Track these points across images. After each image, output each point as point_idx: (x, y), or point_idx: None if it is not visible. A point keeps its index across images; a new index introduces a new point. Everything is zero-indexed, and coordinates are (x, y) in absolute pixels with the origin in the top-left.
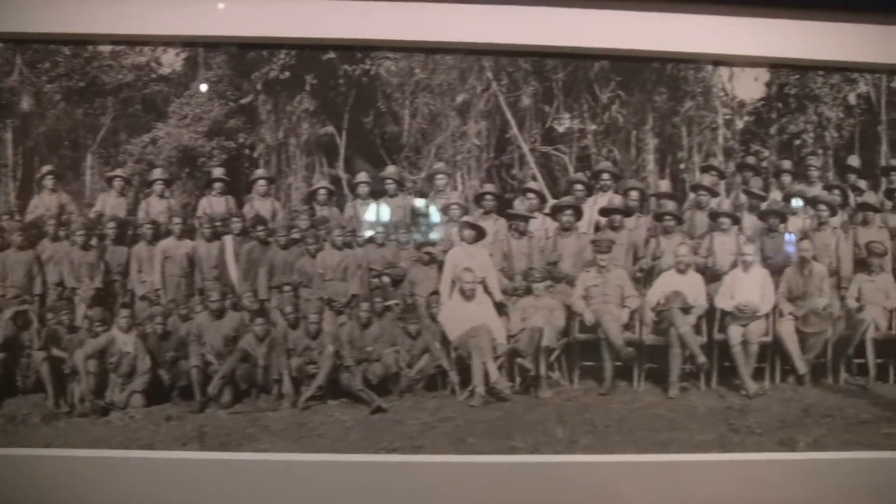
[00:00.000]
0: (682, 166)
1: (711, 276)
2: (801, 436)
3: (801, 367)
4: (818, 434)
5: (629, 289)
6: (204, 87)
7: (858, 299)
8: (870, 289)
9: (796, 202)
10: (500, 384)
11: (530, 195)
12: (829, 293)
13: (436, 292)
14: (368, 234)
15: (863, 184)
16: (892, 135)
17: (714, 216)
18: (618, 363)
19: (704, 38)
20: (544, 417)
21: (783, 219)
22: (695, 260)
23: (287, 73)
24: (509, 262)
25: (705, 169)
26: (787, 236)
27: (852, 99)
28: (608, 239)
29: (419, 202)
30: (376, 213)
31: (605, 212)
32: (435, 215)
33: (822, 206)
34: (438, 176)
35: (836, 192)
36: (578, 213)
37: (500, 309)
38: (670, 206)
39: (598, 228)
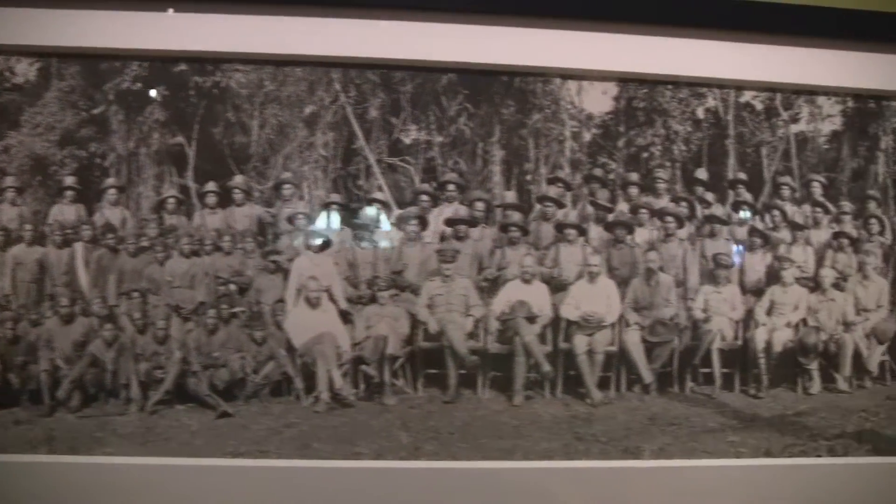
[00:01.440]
0: (528, 178)
1: (557, 286)
2: (646, 444)
3: (647, 376)
4: (664, 442)
5: (474, 298)
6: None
7: (705, 310)
8: (716, 300)
9: (643, 214)
10: (345, 391)
11: (375, 205)
12: (675, 304)
13: (281, 300)
14: (216, 242)
15: (710, 196)
16: (740, 149)
17: (560, 227)
18: (462, 371)
19: (553, 53)
20: (389, 424)
21: (630, 230)
22: (540, 270)
23: (139, 85)
24: (354, 270)
25: (552, 181)
26: (634, 247)
27: (700, 113)
28: (453, 249)
29: (266, 211)
30: (223, 222)
31: (450, 222)
32: (281, 224)
33: (670, 218)
34: (285, 186)
35: (684, 204)
36: (424, 223)
37: (345, 317)
38: (516, 217)
39: (443, 238)
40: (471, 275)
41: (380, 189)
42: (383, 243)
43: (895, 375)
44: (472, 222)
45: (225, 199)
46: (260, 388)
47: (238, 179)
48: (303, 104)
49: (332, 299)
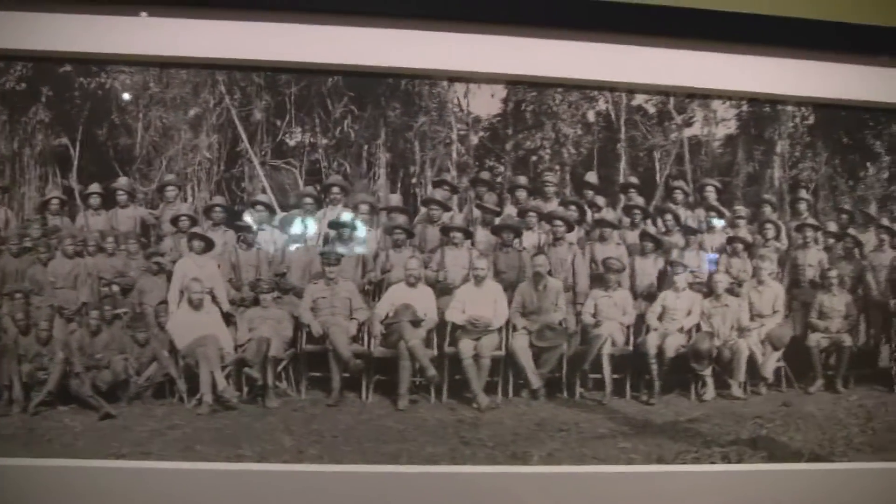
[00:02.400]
0: (414, 181)
1: (442, 289)
2: (534, 449)
3: (535, 381)
4: (552, 448)
5: (358, 301)
6: None
7: (595, 315)
8: (606, 304)
9: (531, 217)
10: (228, 393)
11: (259, 208)
12: (564, 308)
13: (164, 302)
14: (99, 243)
15: (600, 200)
16: (632, 152)
17: (446, 230)
18: (346, 375)
19: (440, 55)
20: (272, 427)
21: (517, 234)
22: (425, 273)
23: (23, 85)
24: (237, 272)
25: (438, 183)
26: (521, 251)
27: (591, 116)
28: (336, 252)
29: (149, 213)
30: (107, 223)
31: (333, 225)
32: (165, 226)
33: (559, 222)
34: (169, 188)
35: (573, 208)
36: (307, 226)
37: (228, 319)
38: (401, 219)
39: (326, 241)
40: (355, 278)
41: (263, 191)
42: (267, 246)
43: (791, 382)
44: (355, 226)
45: (109, 201)
46: (143, 389)
47: (122, 181)
48: (187, 106)
49: (215, 301)
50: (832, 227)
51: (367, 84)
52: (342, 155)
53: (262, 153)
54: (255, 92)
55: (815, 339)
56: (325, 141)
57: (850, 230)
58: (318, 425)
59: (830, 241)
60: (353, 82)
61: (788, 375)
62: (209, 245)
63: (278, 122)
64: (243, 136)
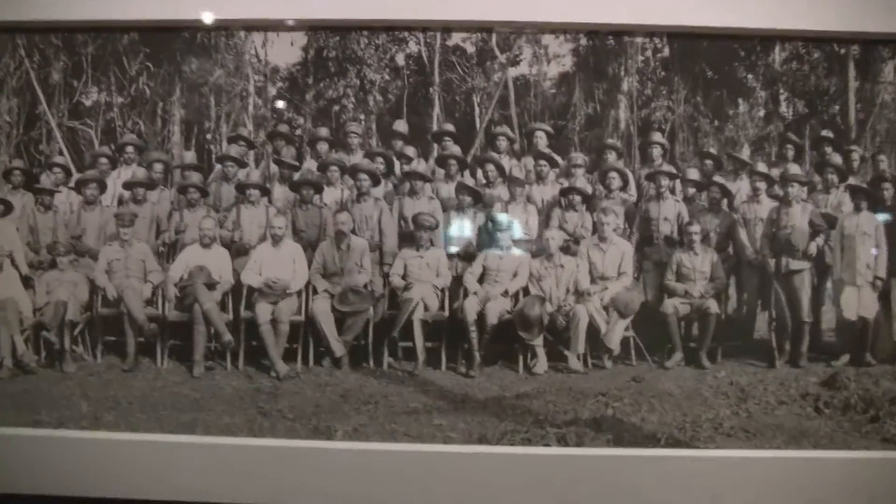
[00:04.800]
0: (209, 137)
1: (238, 250)
2: (338, 424)
3: (338, 349)
4: (358, 423)
5: (152, 263)
6: None
7: (404, 276)
8: (417, 265)
9: (333, 172)
10: (27, 357)
11: (56, 170)
12: (369, 269)
13: None
14: None
15: (411, 151)
16: (446, 97)
17: (241, 188)
18: (141, 339)
19: (237, 4)
20: (69, 392)
21: (318, 189)
22: (220, 233)
23: None
24: (35, 236)
25: (233, 139)
26: (322, 208)
27: (401, 60)
28: (130, 212)
29: None
30: None
31: (127, 185)
32: None
33: (363, 176)
34: None
35: (380, 160)
36: (102, 187)
37: (27, 282)
38: (195, 178)
39: (121, 202)
40: (149, 239)
41: (60, 153)
42: (63, 207)
43: (641, 354)
44: (150, 184)
45: None
46: None
47: None
48: None
49: (14, 265)
50: (694, 174)
51: (163, 39)
52: (137, 113)
53: (60, 114)
54: (53, 53)
55: (671, 305)
56: (120, 99)
57: (717, 178)
58: (115, 391)
59: (691, 190)
60: (149, 38)
61: (639, 347)
62: (8, 208)
63: (75, 83)
64: (41, 98)
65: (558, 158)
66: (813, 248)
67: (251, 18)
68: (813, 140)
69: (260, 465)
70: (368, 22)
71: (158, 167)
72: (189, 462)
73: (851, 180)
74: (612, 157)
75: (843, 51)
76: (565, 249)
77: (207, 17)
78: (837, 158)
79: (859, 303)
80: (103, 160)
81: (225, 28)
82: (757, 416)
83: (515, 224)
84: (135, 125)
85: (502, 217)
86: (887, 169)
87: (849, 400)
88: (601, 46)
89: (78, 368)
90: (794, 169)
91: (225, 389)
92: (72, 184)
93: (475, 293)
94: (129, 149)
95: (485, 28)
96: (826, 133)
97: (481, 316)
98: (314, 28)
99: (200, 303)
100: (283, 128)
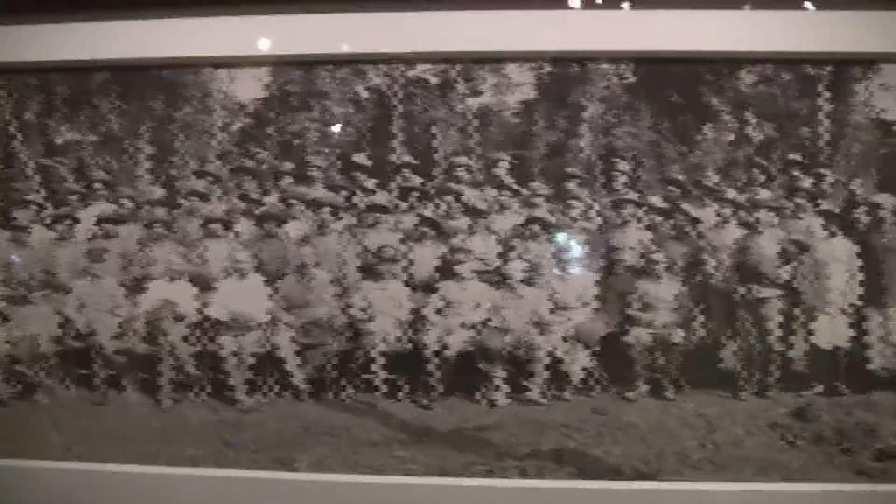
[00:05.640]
0: (176, 172)
1: (204, 284)
2: (301, 455)
3: (301, 381)
4: (321, 454)
5: (121, 297)
6: None
7: (366, 309)
8: (379, 297)
9: (296, 205)
10: (2, 390)
11: (30, 206)
12: (332, 302)
13: None
14: None
15: (372, 183)
16: (407, 129)
17: (207, 222)
18: (110, 372)
19: (202, 41)
20: (41, 424)
21: (281, 223)
22: (186, 268)
23: None
24: (10, 271)
25: (200, 174)
26: (285, 241)
27: (363, 92)
28: (101, 248)
29: None
30: None
31: (98, 221)
32: None
33: (325, 209)
34: None
35: (341, 192)
36: (75, 223)
37: (2, 316)
38: (162, 213)
39: (92, 238)
40: (118, 274)
41: (33, 191)
42: (37, 243)
43: (604, 386)
44: (119, 220)
45: None
46: None
47: None
48: None
49: None
50: (658, 202)
51: (133, 78)
52: (108, 150)
53: (34, 153)
54: (29, 93)
55: (635, 335)
56: (92, 137)
57: (683, 205)
58: (85, 423)
59: (656, 218)
60: (120, 77)
61: (602, 378)
62: None
63: (49, 122)
64: (17, 137)
65: (520, 188)
66: (783, 276)
67: (217, 55)
68: (782, 164)
69: (224, 495)
70: (331, 56)
71: (127, 203)
72: (155, 493)
73: (823, 205)
74: (574, 185)
75: (814, 72)
76: (526, 280)
77: (175, 54)
78: (808, 182)
79: (831, 331)
80: (75, 197)
81: (192, 65)
82: (724, 448)
83: (475, 256)
84: (105, 162)
85: (463, 248)
86: (861, 192)
87: (821, 431)
88: (564, 74)
89: (50, 401)
90: (762, 194)
91: (191, 421)
92: (46, 220)
93: (436, 325)
94: (100, 185)
95: (447, 59)
96: (796, 156)
97: (442, 348)
98: (277, 63)
99: (167, 336)
100: (248, 162)
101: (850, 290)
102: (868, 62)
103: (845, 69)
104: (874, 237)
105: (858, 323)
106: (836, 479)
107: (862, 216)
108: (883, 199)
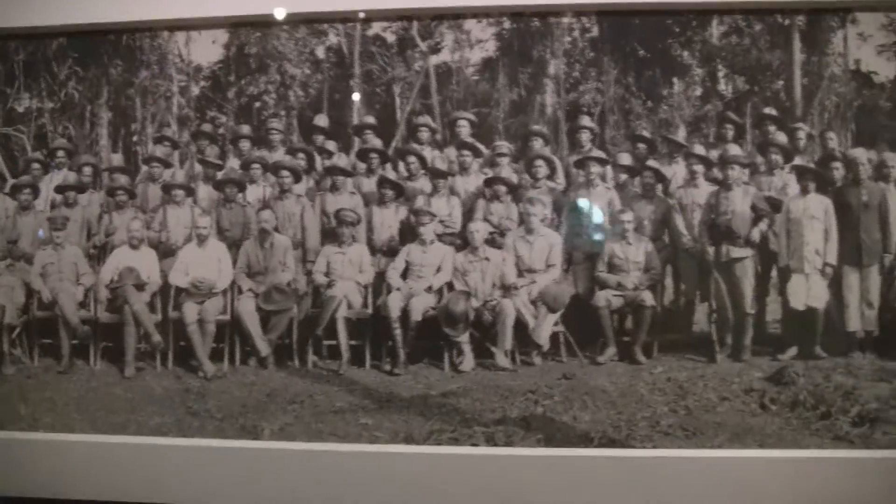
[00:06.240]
0: (135, 139)
1: (165, 251)
2: (265, 423)
3: (263, 348)
4: (284, 422)
5: (84, 266)
6: None
7: (327, 274)
8: (340, 262)
9: (256, 169)
10: None
11: None
12: (293, 267)
13: None
14: None
15: (332, 145)
16: (367, 89)
17: (167, 188)
18: (75, 341)
19: (158, 4)
20: (8, 394)
21: (241, 188)
22: (147, 234)
23: None
24: None
25: (158, 140)
26: (245, 206)
27: (321, 53)
28: (62, 216)
29: None
30: None
31: (59, 189)
32: None
33: (285, 173)
34: None
35: (301, 155)
36: (36, 192)
37: None
38: (122, 180)
39: (53, 206)
40: (81, 242)
41: None
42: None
43: (572, 350)
44: (80, 188)
45: None
46: None
47: None
48: None
49: None
50: (625, 159)
51: (91, 43)
52: (67, 118)
53: None
54: None
55: (604, 298)
56: (50, 105)
57: (651, 162)
58: (51, 393)
59: (623, 176)
60: (77, 43)
61: (570, 342)
62: None
63: (8, 90)
64: None
65: (482, 148)
66: (756, 235)
67: (174, 18)
68: (755, 119)
69: (189, 464)
70: (289, 16)
71: (87, 170)
72: (122, 462)
73: (797, 160)
74: (538, 144)
75: (787, 22)
76: (490, 242)
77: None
78: (782, 137)
79: (808, 292)
80: (36, 165)
81: (149, 28)
82: (697, 413)
83: (438, 217)
84: (65, 130)
85: (426, 210)
86: (837, 147)
87: (797, 396)
88: (526, 29)
89: (16, 371)
90: (734, 150)
91: (155, 390)
92: (6, 189)
93: (398, 289)
94: (60, 153)
95: (405, 16)
96: (769, 110)
97: (405, 312)
98: (236, 25)
99: (130, 304)
100: (207, 127)
101: (826, 249)
102: (843, 10)
103: (819, 18)
104: (851, 193)
105: (836, 283)
106: (813, 445)
107: (838, 172)
108: (860, 153)
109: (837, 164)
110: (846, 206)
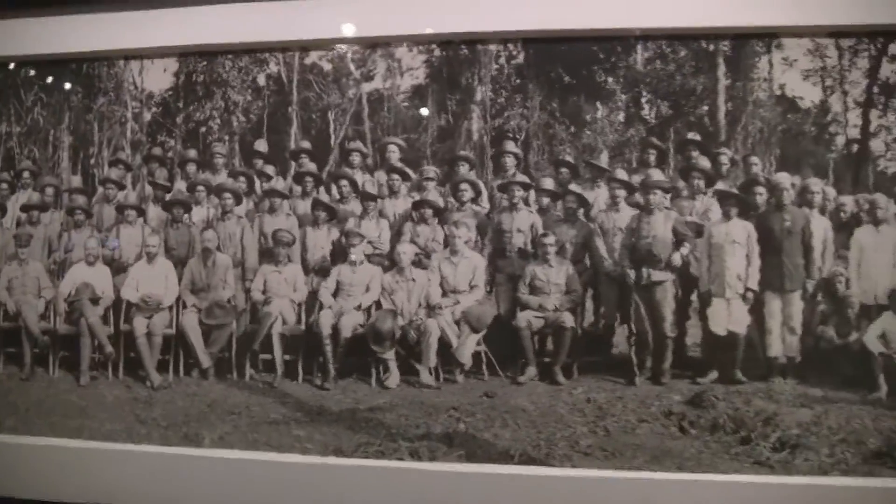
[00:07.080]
0: (92, 161)
1: (118, 267)
2: (206, 432)
3: (205, 360)
4: (224, 431)
5: (45, 280)
6: None
7: (264, 291)
8: (276, 280)
9: (200, 191)
10: None
11: None
12: (233, 285)
13: None
14: None
15: (270, 169)
16: (305, 115)
17: (120, 209)
18: (36, 350)
19: (116, 35)
20: None
21: (187, 209)
22: (102, 252)
23: None
24: None
25: (113, 163)
26: (191, 226)
27: (262, 80)
28: (27, 233)
29: None
30: None
31: (24, 208)
32: None
33: (227, 195)
34: None
35: (242, 179)
36: (3, 210)
37: None
38: (80, 200)
39: (19, 224)
40: (42, 258)
41: None
42: None
43: (493, 369)
44: (42, 207)
45: None
46: None
47: None
48: None
49: None
50: (548, 183)
51: (55, 71)
52: (32, 141)
53: None
54: None
55: (525, 319)
56: (18, 129)
57: (573, 186)
58: (14, 398)
59: (546, 200)
60: (43, 70)
61: (491, 361)
62: None
63: None
64: None
65: (410, 172)
66: (677, 259)
67: (129, 48)
68: (677, 143)
69: (137, 469)
70: (233, 45)
71: (50, 191)
72: (75, 466)
73: (720, 185)
74: (464, 168)
75: (711, 47)
76: (417, 263)
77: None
78: (704, 162)
79: (728, 317)
80: (3, 186)
81: (106, 58)
82: (616, 434)
83: (367, 239)
84: (30, 152)
85: (356, 232)
86: (761, 172)
87: (717, 420)
88: (454, 56)
89: None
90: (655, 175)
91: (107, 398)
92: None
93: (329, 307)
94: (26, 174)
95: (340, 44)
96: (692, 135)
97: (335, 329)
98: (184, 54)
99: (86, 317)
100: (157, 151)
101: (748, 275)
102: (769, 35)
103: (745, 44)
104: (774, 219)
105: (758, 308)
106: (732, 469)
107: (762, 197)
108: (784, 178)
109: (761, 189)
110: (769, 231)
